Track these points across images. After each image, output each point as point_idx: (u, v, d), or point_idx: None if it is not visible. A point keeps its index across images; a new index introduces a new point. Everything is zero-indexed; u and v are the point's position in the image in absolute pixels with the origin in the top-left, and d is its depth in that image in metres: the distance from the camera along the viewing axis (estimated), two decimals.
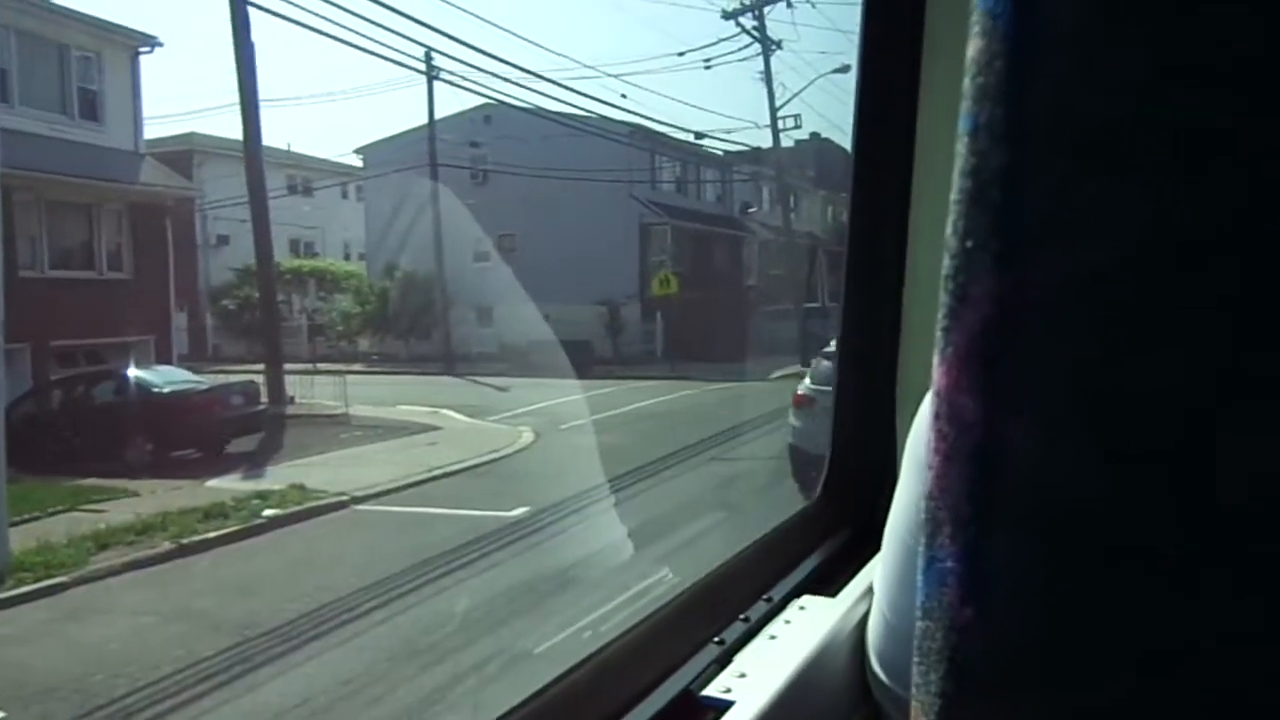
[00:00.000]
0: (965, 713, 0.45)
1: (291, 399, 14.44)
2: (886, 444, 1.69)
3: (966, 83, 0.43)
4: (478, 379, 18.42)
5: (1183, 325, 0.39)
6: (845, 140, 1.70)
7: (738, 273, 27.43)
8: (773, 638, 1.29)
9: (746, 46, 23.51)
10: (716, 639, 1.25)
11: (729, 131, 40.22)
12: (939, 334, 0.45)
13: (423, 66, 18.58)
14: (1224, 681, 0.41)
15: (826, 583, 1.46)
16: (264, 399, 13.47)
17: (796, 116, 27.77)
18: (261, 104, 14.45)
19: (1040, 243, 0.41)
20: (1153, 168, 0.39)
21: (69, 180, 13.47)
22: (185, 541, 7.95)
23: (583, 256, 22.12)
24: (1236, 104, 0.38)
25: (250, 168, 14.45)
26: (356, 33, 18.60)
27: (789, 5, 22.71)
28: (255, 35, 14.23)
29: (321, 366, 17.11)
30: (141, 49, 14.70)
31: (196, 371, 14.26)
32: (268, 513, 8.84)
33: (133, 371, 12.67)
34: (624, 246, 24.07)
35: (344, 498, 9.49)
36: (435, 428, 13.58)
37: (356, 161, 24.89)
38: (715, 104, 59.03)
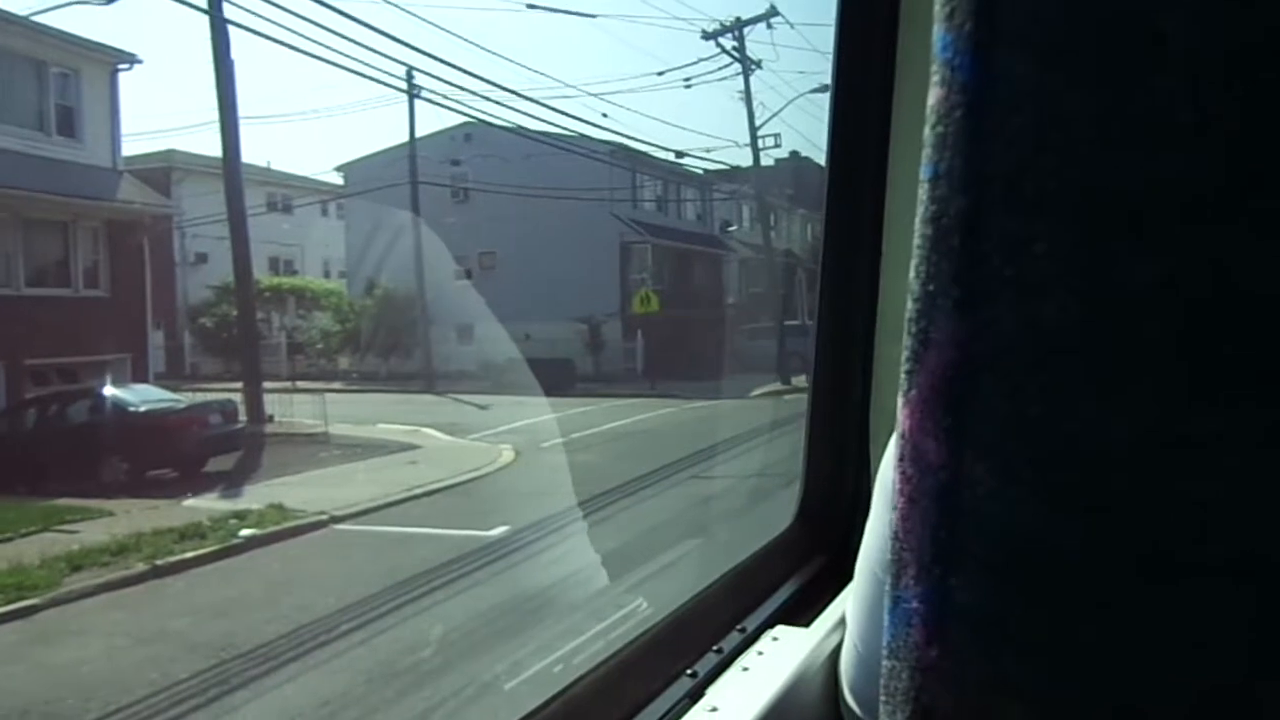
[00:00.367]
0: None
1: (270, 417, 14.35)
2: (860, 470, 1.69)
3: (927, 131, 0.44)
4: (458, 397, 18.35)
5: (1126, 380, 0.40)
6: (823, 159, 1.71)
7: (718, 291, 27.52)
8: (745, 669, 1.27)
9: (726, 66, 23.63)
10: (689, 671, 1.24)
11: (709, 150, 40.50)
12: (903, 376, 0.46)
13: (404, 85, 18.59)
14: None
15: (800, 612, 1.45)
16: (242, 417, 13.39)
17: (776, 135, 27.95)
18: (241, 121, 14.45)
19: (996, 293, 0.42)
20: (1099, 226, 0.40)
21: (45, 197, 13.39)
22: (161, 562, 7.86)
23: (564, 274, 22.16)
24: (1182, 166, 0.38)
25: (229, 185, 14.41)
26: (338, 51, 18.59)
27: (768, 26, 22.86)
28: (235, 53, 14.23)
29: (301, 385, 17.01)
30: (120, 66, 14.66)
31: (174, 390, 14.15)
32: (245, 533, 8.76)
33: (109, 390, 12.57)
34: (605, 264, 24.13)
35: (323, 517, 9.42)
36: (415, 446, 13.51)
37: (337, 179, 24.89)
38: (696, 123, 59.31)
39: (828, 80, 1.65)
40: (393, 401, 17.57)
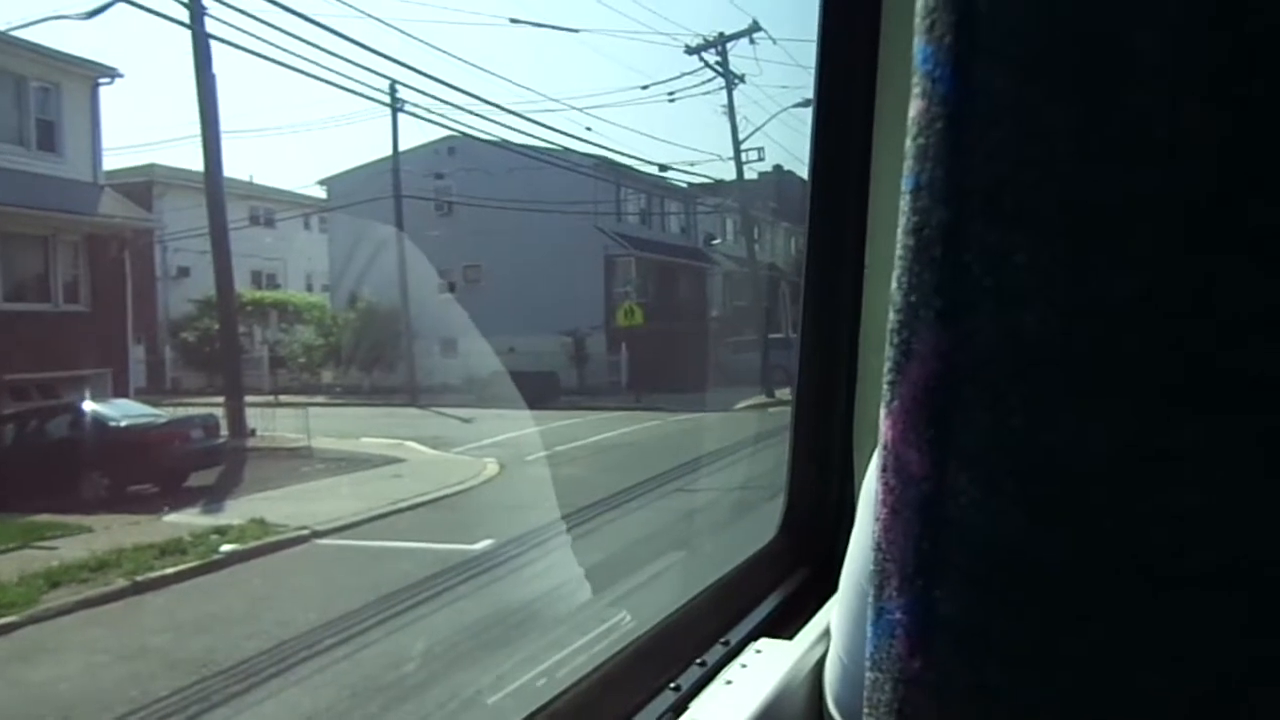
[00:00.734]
0: None
1: (252, 432, 14.24)
2: (844, 481, 1.69)
3: (909, 143, 0.44)
4: (442, 411, 18.28)
5: (1105, 391, 0.40)
6: (806, 173, 1.71)
7: (702, 304, 27.53)
8: (729, 683, 1.27)
9: (710, 80, 23.72)
10: (672, 685, 1.23)
11: (693, 164, 40.50)
12: (885, 387, 0.46)
13: (387, 99, 18.57)
14: None
15: (784, 624, 1.44)
16: (224, 432, 13.29)
17: (760, 149, 27.99)
18: (223, 135, 14.38)
19: (977, 304, 0.42)
20: (1078, 238, 0.40)
21: (25, 212, 13.28)
22: (141, 578, 7.78)
23: (548, 288, 22.13)
24: (1160, 180, 0.39)
25: (211, 199, 14.34)
26: (321, 65, 18.53)
27: (751, 41, 22.92)
28: (217, 67, 14.16)
29: (283, 399, 16.90)
30: (101, 80, 14.58)
31: (155, 404, 14.04)
32: (226, 548, 8.68)
33: (89, 405, 12.44)
34: (589, 278, 24.10)
35: (305, 532, 9.34)
36: (399, 460, 13.43)
37: (320, 193, 24.77)
38: (679, 137, 59.39)
39: (810, 95, 1.65)
40: (376, 415, 17.49)
